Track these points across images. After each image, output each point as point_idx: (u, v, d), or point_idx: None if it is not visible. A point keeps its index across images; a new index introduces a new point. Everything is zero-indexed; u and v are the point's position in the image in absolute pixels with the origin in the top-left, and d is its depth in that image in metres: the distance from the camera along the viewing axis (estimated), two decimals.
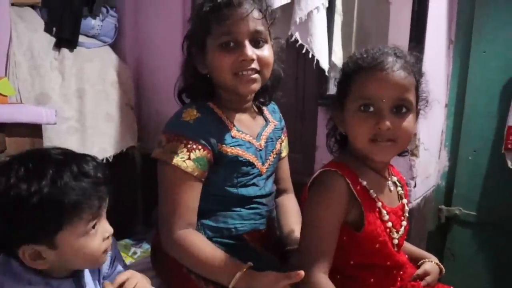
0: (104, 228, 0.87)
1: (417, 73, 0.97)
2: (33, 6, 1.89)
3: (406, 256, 1.09)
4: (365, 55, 0.96)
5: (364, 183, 0.97)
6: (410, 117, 0.95)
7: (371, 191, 0.97)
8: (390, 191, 1.03)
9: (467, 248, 1.87)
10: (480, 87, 1.78)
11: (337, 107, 1.01)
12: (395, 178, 1.08)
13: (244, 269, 0.97)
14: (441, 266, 1.15)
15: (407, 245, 1.14)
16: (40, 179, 0.77)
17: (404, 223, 1.04)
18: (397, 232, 1.01)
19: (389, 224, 0.99)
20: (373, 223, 0.95)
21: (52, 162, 0.80)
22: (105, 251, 0.88)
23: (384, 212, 0.98)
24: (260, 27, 1.07)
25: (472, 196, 1.84)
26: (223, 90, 1.12)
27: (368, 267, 0.99)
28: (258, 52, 1.07)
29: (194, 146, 1.05)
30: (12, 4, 1.77)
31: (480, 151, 1.80)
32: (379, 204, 0.98)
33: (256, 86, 1.09)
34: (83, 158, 0.84)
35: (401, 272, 1.05)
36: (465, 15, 1.79)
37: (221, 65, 1.06)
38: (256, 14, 1.05)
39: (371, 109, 0.93)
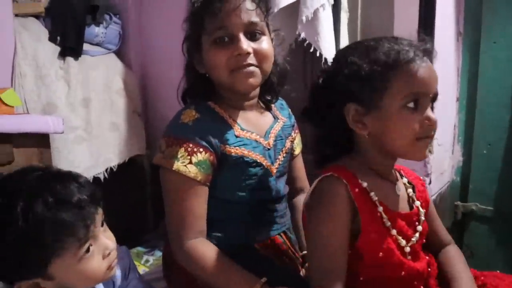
0: (103, 245, 0.83)
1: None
2: (36, 16, 1.88)
3: (435, 264, 0.99)
4: (389, 51, 0.88)
5: (364, 184, 0.89)
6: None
7: (372, 193, 0.89)
8: (398, 195, 0.95)
9: (485, 244, 1.83)
10: (492, 78, 1.74)
11: (358, 108, 0.90)
12: (405, 180, 1.00)
13: (259, 286, 0.93)
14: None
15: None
16: (10, 214, 0.73)
17: (420, 228, 0.95)
18: (408, 239, 0.92)
19: (394, 231, 0.90)
20: (372, 230, 0.87)
21: (23, 191, 0.75)
22: (110, 268, 0.85)
23: (386, 217, 0.89)
24: (255, 18, 1.01)
25: (488, 190, 1.80)
26: (222, 89, 1.07)
27: (381, 282, 0.90)
28: (255, 45, 1.02)
29: (195, 149, 1.00)
30: (16, 15, 1.77)
31: (495, 144, 1.76)
32: (381, 208, 0.89)
33: (254, 81, 1.03)
34: (61, 181, 0.79)
35: (424, 283, 0.95)
36: (473, 6, 1.76)
37: (216, 62, 1.02)
38: (249, 4, 1.01)
39: (418, 104, 0.87)
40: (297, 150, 1.25)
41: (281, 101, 1.24)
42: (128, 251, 1.03)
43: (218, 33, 1.01)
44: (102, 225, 0.86)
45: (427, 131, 0.88)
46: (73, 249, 0.78)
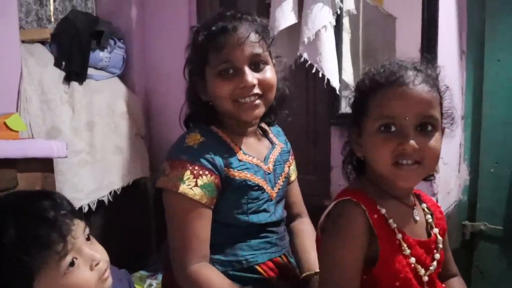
0: (89, 256, 0.84)
1: (440, 87, 0.89)
2: (42, 42, 1.93)
3: None
4: (382, 70, 0.88)
5: (383, 211, 0.86)
6: (437, 136, 0.85)
7: (390, 220, 0.86)
8: (416, 221, 0.92)
9: (496, 264, 1.79)
10: (497, 96, 1.73)
11: (353, 130, 0.92)
12: (424, 205, 0.97)
13: None
14: None
15: None
16: None
17: (438, 256, 0.91)
18: (426, 268, 0.89)
19: (412, 259, 0.86)
20: (390, 258, 0.84)
21: None
22: (102, 279, 0.85)
23: (405, 245, 0.86)
24: (259, 50, 1.03)
25: (496, 209, 1.77)
26: (226, 116, 1.09)
27: None
28: (259, 75, 1.03)
29: (201, 172, 1.00)
30: (22, 41, 1.80)
31: (502, 162, 1.74)
32: (399, 236, 0.86)
33: (259, 112, 1.05)
34: (34, 199, 0.81)
35: None
36: (475, 24, 1.76)
37: (221, 93, 1.03)
38: (253, 37, 1.02)
39: (393, 128, 0.84)
40: (293, 176, 1.26)
41: (277, 128, 1.26)
42: (128, 274, 1.02)
43: (223, 66, 1.02)
44: (88, 239, 0.86)
45: (402, 156, 0.83)
46: (53, 264, 0.78)
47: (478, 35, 1.76)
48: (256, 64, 1.04)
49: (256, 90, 1.03)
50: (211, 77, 1.04)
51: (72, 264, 0.80)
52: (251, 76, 1.02)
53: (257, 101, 1.04)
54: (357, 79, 1.06)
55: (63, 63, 1.88)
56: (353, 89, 0.96)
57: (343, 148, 0.99)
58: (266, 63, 1.05)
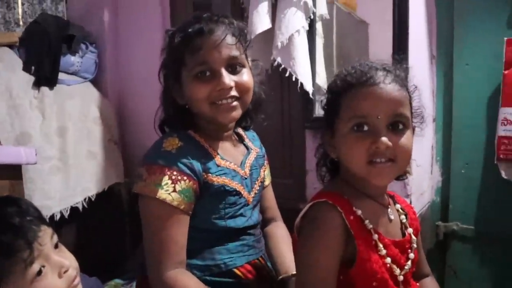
0: (57, 264, 0.82)
1: (409, 87, 0.91)
2: (10, 46, 1.87)
3: None
4: (352, 71, 0.89)
5: (359, 212, 0.87)
6: (408, 134, 0.87)
7: (366, 221, 0.87)
8: (390, 220, 0.93)
9: (468, 263, 1.82)
10: (466, 99, 1.78)
11: (326, 131, 0.93)
12: (398, 206, 0.98)
13: None
14: None
15: None
16: None
17: (412, 255, 0.92)
18: (401, 267, 0.90)
19: (388, 259, 0.88)
20: (367, 259, 0.85)
21: None
22: (71, 286, 0.84)
23: (381, 246, 0.87)
24: (236, 52, 1.03)
25: (468, 210, 1.81)
26: (202, 120, 1.08)
27: None
28: (236, 78, 1.03)
29: (179, 177, 0.99)
30: None
31: (473, 163, 1.78)
32: (376, 236, 0.87)
33: (236, 114, 1.05)
34: (0, 206, 0.80)
35: None
36: (445, 30, 1.80)
37: (197, 96, 1.02)
38: (229, 39, 1.02)
39: (366, 128, 0.85)
40: (267, 180, 1.27)
41: (252, 133, 1.26)
42: (98, 281, 1.01)
43: (200, 68, 1.01)
44: (56, 247, 0.85)
45: (376, 154, 0.85)
46: (20, 271, 0.77)
47: (447, 40, 1.81)
48: (233, 67, 1.04)
49: (233, 93, 1.03)
50: (187, 79, 1.03)
51: (39, 272, 0.79)
52: (228, 78, 1.02)
53: (234, 103, 1.04)
54: None
55: (33, 67, 1.84)
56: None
57: (316, 151, 1.00)
58: (243, 66, 1.05)
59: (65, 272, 0.82)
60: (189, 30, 1.01)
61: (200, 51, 1.00)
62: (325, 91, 0.96)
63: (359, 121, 0.86)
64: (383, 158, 0.85)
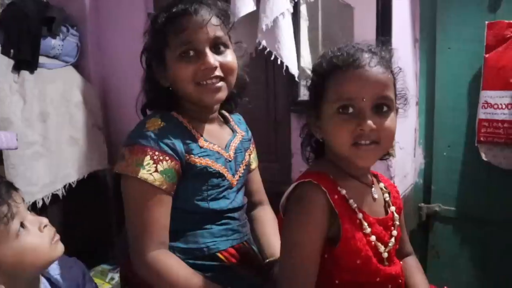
0: (36, 220, 0.90)
1: (394, 68, 0.92)
2: None
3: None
4: (338, 53, 0.89)
5: (343, 192, 0.89)
6: (392, 116, 0.88)
7: (351, 200, 0.89)
8: (374, 199, 0.95)
9: (450, 244, 1.87)
10: (448, 83, 1.80)
11: (311, 112, 0.94)
12: (381, 185, 1.01)
13: None
14: None
15: (408, 272, 1.03)
16: None
17: (395, 232, 0.95)
18: (385, 244, 0.92)
19: (373, 237, 0.90)
20: (352, 237, 0.87)
21: None
22: (54, 241, 0.91)
23: (366, 224, 0.89)
24: (220, 33, 1.03)
25: (450, 191, 1.84)
26: (187, 102, 1.07)
27: (357, 286, 0.90)
28: (220, 58, 1.03)
29: (161, 157, 0.98)
30: None
31: (454, 146, 1.81)
32: (360, 215, 0.89)
33: (222, 95, 1.05)
34: None
35: (396, 285, 0.95)
36: (428, 13, 1.81)
37: (182, 76, 1.02)
38: (214, 20, 1.02)
39: (351, 110, 0.86)
40: (254, 164, 1.27)
41: (238, 116, 1.26)
42: (79, 262, 1.03)
43: (184, 48, 1.01)
44: (29, 211, 0.93)
45: (361, 137, 0.86)
46: (2, 227, 0.83)
47: (430, 24, 1.82)
48: (217, 47, 1.03)
49: (218, 73, 1.02)
50: (171, 60, 1.03)
51: (22, 226, 0.86)
52: (213, 58, 1.02)
53: (219, 83, 1.03)
54: None
55: (12, 50, 1.79)
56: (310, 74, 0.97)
57: (301, 131, 1.01)
58: (227, 47, 1.05)
59: (44, 227, 0.89)
60: (173, 10, 1.00)
61: (184, 31, 1.00)
62: (310, 72, 0.97)
63: (344, 103, 0.87)
64: (368, 140, 0.87)
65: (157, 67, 1.06)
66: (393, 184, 1.07)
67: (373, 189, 0.96)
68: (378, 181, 1.02)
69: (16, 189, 0.91)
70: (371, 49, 0.90)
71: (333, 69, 0.89)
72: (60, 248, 0.92)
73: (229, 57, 1.05)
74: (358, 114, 0.86)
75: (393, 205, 0.99)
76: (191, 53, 1.01)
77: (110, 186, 2.16)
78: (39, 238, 0.88)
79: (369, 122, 0.85)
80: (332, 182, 0.89)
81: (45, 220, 0.91)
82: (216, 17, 1.03)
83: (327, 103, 0.89)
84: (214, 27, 1.02)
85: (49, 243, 0.89)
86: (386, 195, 0.99)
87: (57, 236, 0.92)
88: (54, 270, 0.98)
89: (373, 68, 0.87)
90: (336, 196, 0.87)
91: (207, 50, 1.01)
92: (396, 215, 0.98)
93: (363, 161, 0.89)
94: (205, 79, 1.02)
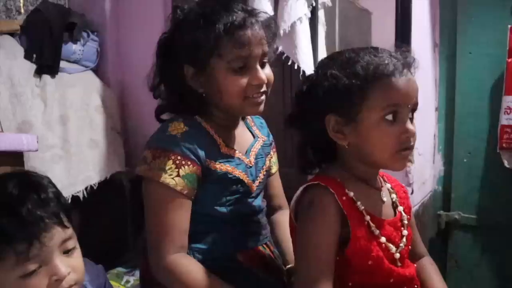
0: (53, 270, 0.74)
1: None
2: (12, 34, 1.86)
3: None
4: (383, 61, 0.88)
5: (351, 194, 0.89)
6: (414, 121, 0.92)
7: (358, 203, 0.89)
8: (383, 201, 0.95)
9: (470, 252, 1.83)
10: (469, 88, 1.77)
11: (331, 117, 0.90)
12: (388, 186, 1.00)
13: None
14: None
15: (424, 273, 1.02)
16: None
17: (405, 232, 0.95)
18: (397, 245, 0.92)
19: (383, 239, 0.90)
20: (361, 238, 0.87)
21: None
22: None
23: (373, 226, 0.89)
24: (266, 48, 1.03)
25: (470, 199, 1.81)
26: (217, 109, 1.06)
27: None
28: (265, 72, 1.03)
29: (183, 162, 0.98)
30: None
31: (475, 152, 1.78)
32: (368, 217, 0.89)
33: (262, 107, 1.05)
34: (23, 188, 0.72)
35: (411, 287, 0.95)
36: (448, 18, 1.79)
37: (233, 89, 1.00)
38: (265, 35, 1.02)
39: (396, 117, 0.87)
40: (274, 168, 1.25)
41: (260, 120, 1.24)
42: (103, 270, 1.00)
43: (240, 62, 1.00)
44: (68, 252, 0.78)
45: (406, 143, 0.88)
46: (10, 263, 0.70)
47: (450, 28, 1.80)
48: (263, 62, 1.03)
49: (264, 88, 1.03)
50: (219, 71, 1.00)
51: (32, 273, 0.72)
52: (263, 74, 1.02)
53: (262, 97, 1.04)
54: None
55: (34, 55, 1.83)
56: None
57: (305, 135, 0.99)
58: (268, 60, 1.05)
59: (56, 280, 0.74)
60: (232, 20, 0.98)
61: (244, 47, 0.98)
62: (331, 75, 0.90)
63: (392, 110, 0.87)
64: (410, 147, 0.90)
65: (194, 72, 1.03)
66: (400, 184, 1.06)
67: (382, 192, 0.97)
68: (385, 182, 1.02)
69: (64, 226, 0.75)
70: (393, 55, 0.90)
71: (375, 76, 0.87)
72: None
73: (270, 70, 1.05)
74: (403, 120, 0.88)
75: (400, 205, 0.99)
76: (243, 67, 1.01)
77: (126, 189, 2.18)
78: None
79: (412, 127, 0.88)
80: (340, 185, 0.89)
81: (61, 274, 0.75)
82: (265, 33, 1.02)
83: (369, 110, 0.88)
84: (264, 42, 1.02)
85: None
86: (393, 195, 0.99)
87: None
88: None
89: (411, 75, 0.89)
90: (344, 198, 0.88)
91: (257, 66, 1.01)
92: (404, 214, 0.98)
93: (402, 166, 0.91)
94: (253, 93, 1.02)
